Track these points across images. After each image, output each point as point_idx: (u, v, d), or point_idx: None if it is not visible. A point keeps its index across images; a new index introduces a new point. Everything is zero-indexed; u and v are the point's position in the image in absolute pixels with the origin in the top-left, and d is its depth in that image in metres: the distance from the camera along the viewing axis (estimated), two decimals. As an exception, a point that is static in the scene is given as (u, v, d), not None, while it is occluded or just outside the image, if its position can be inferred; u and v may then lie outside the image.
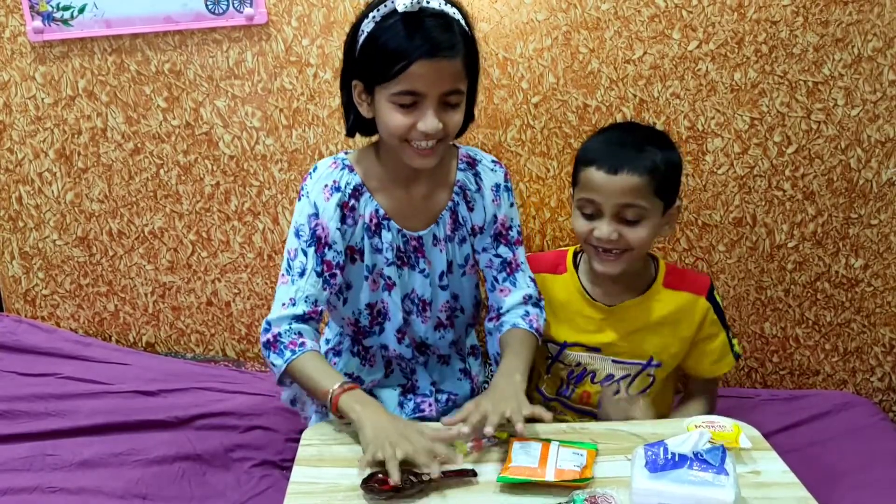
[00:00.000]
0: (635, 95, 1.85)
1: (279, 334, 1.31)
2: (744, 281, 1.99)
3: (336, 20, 1.83)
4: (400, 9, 1.19)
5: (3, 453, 1.59)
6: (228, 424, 1.68)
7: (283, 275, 1.35)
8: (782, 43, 1.80)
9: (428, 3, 1.22)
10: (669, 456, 1.10)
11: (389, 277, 1.42)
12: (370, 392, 1.49)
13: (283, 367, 1.30)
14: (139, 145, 1.95)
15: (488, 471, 1.16)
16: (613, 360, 1.49)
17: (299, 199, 1.36)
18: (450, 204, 1.42)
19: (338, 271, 1.37)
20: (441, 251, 1.44)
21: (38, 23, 1.84)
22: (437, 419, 1.46)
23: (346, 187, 1.36)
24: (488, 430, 1.17)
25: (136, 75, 1.89)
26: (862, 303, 1.99)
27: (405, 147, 1.28)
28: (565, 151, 1.90)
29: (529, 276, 1.49)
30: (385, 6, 1.22)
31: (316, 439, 1.27)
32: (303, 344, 1.31)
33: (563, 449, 1.19)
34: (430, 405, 1.54)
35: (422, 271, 1.44)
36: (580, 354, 1.50)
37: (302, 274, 1.34)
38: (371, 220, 1.38)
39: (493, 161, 1.48)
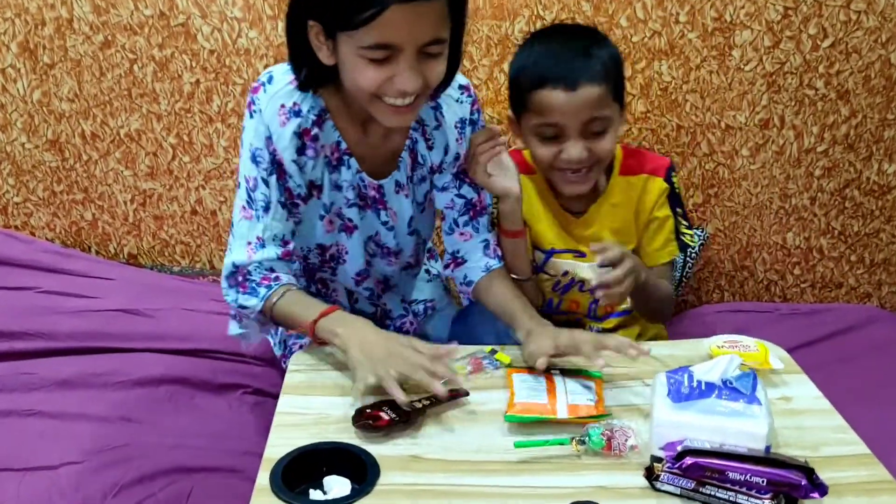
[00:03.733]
0: (658, -19, 1.69)
1: (248, 272, 1.19)
2: (767, 188, 1.89)
3: None
4: None
5: (-27, 373, 1.50)
6: (219, 349, 1.58)
7: (244, 207, 1.19)
8: (825, -80, 1.64)
9: None
10: (695, 384, 1.02)
11: (350, 219, 1.27)
12: None
13: (258, 306, 1.17)
14: (109, 38, 1.80)
15: (492, 399, 1.09)
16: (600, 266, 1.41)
17: (251, 115, 1.16)
18: (407, 143, 1.26)
19: (300, 201, 1.22)
20: (406, 196, 1.29)
21: None
22: (424, 334, 1.40)
23: (308, 112, 1.17)
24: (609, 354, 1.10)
25: (101, -42, 1.72)
26: (893, 211, 1.92)
27: (377, 104, 1.10)
28: (579, 45, 1.74)
29: (492, 223, 1.38)
30: None
31: (304, 364, 1.18)
32: (277, 278, 1.19)
33: (570, 381, 1.10)
34: (409, 322, 1.45)
35: (385, 223, 1.30)
36: (567, 262, 1.41)
37: (267, 208, 1.18)
38: (332, 154, 1.21)
39: (460, 88, 1.28)
